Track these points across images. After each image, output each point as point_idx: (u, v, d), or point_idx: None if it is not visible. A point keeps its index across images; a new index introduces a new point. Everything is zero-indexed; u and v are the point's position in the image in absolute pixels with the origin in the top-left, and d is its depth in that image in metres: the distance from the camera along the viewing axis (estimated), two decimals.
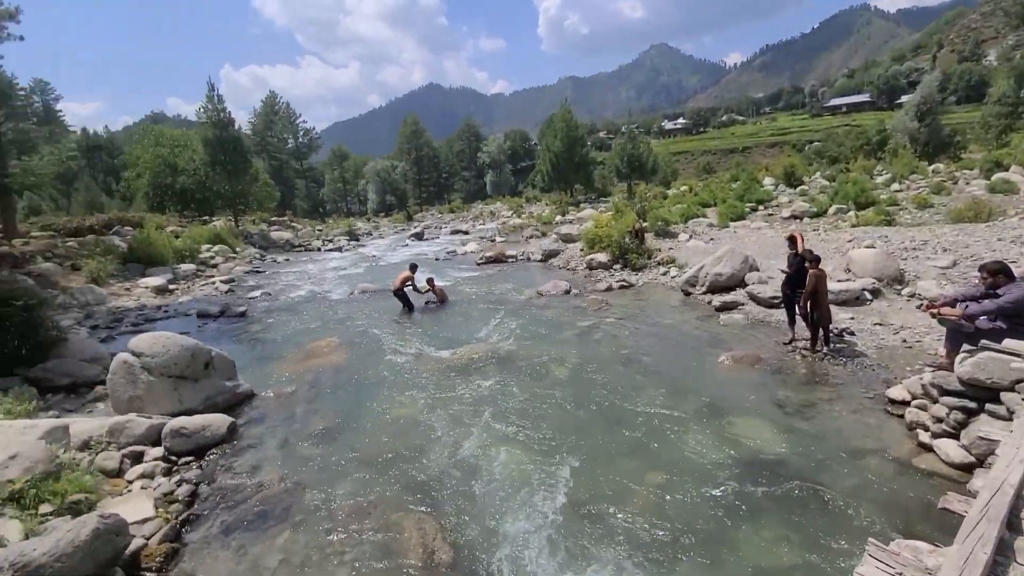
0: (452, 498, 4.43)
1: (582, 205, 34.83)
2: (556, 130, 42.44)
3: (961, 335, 5.05)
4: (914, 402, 5.10)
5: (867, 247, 10.36)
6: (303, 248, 27.28)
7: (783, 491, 4.23)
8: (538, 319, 9.83)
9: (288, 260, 22.30)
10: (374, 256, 22.31)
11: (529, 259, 16.93)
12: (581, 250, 15.28)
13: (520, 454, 5.04)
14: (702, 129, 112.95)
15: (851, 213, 15.71)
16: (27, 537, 3.41)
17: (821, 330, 6.93)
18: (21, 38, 17.67)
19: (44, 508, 3.82)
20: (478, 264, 16.86)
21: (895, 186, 19.57)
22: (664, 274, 12.17)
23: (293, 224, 38.56)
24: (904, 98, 60.23)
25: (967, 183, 18.38)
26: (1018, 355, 4.29)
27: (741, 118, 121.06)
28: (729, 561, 3.54)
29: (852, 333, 7.35)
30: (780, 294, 7.82)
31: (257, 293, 14.18)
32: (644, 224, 15.89)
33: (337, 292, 13.89)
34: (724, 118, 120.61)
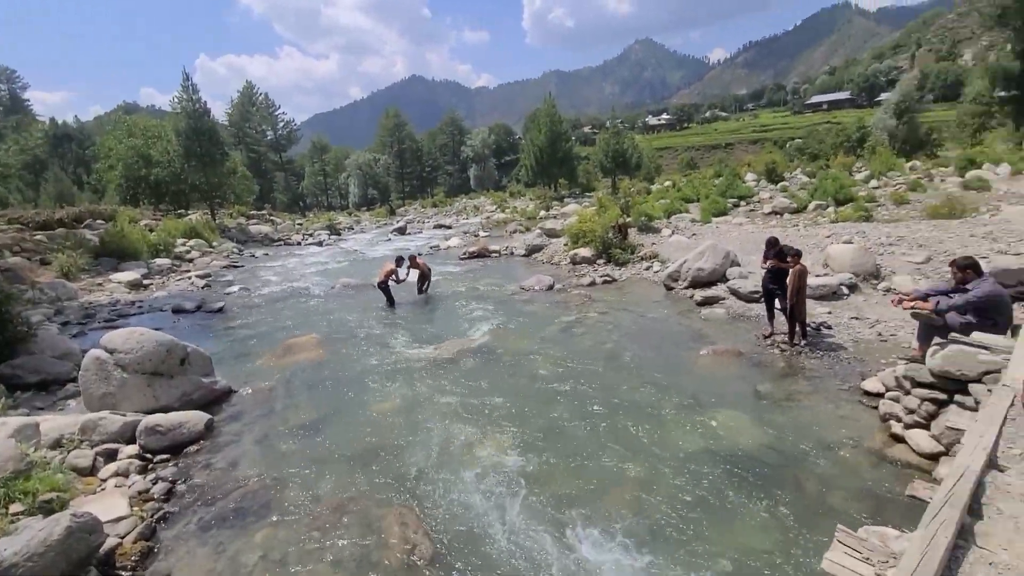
0: (434, 493, 4.45)
1: (566, 200, 34.96)
2: (540, 124, 42.47)
3: (933, 329, 5.22)
4: (888, 394, 5.27)
5: (845, 243, 10.61)
6: (282, 242, 26.88)
7: (761, 481, 4.35)
8: (521, 314, 9.87)
9: (267, 255, 21.96)
10: (356, 251, 22.10)
11: (512, 254, 16.97)
12: (565, 245, 15.36)
13: (503, 448, 5.08)
14: (686, 125, 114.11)
15: (830, 209, 16.05)
16: None
17: (798, 324, 7.10)
18: None
19: (15, 508, 3.73)
20: (461, 259, 16.83)
21: (873, 183, 20.03)
22: (647, 269, 12.31)
23: (272, 218, 37.94)
24: (883, 96, 61.66)
25: (943, 180, 18.91)
26: (985, 348, 4.46)
27: (724, 114, 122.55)
28: (707, 549, 3.63)
29: (829, 327, 7.54)
30: (760, 289, 7.97)
31: (235, 288, 13.96)
32: (628, 219, 16.02)
33: (318, 287, 13.74)
34: (707, 114, 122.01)
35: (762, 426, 5.24)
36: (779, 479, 4.36)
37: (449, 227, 29.05)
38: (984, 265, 6.66)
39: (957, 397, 4.49)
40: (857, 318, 7.75)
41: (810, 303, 7.26)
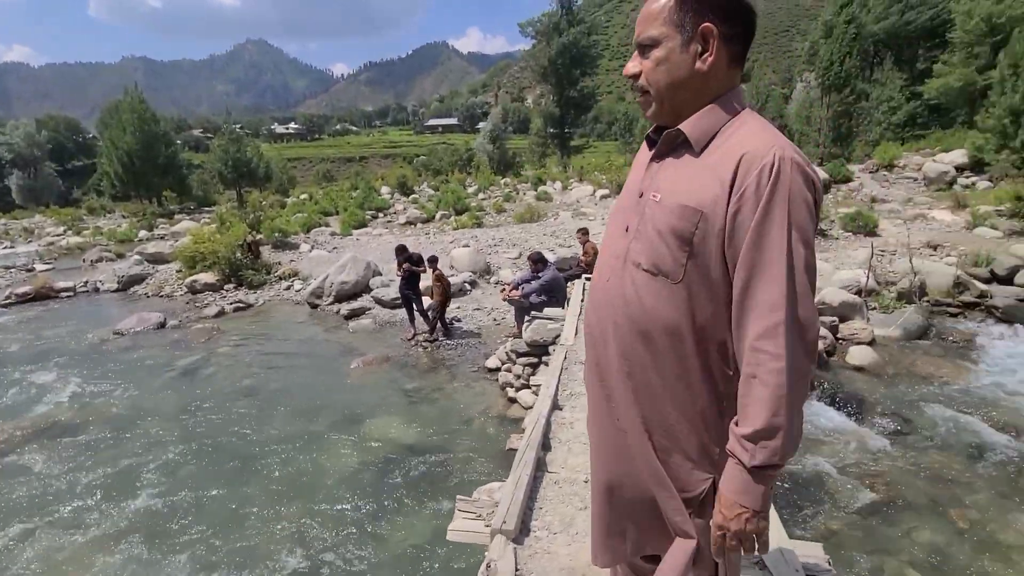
0: None
1: (177, 216, 29.69)
2: (124, 122, 34.54)
3: (523, 310, 6.89)
4: (503, 367, 6.64)
5: (463, 246, 12.82)
6: None
7: (418, 472, 4.78)
8: (118, 366, 7.81)
9: None
10: None
11: (98, 290, 13.23)
12: (178, 272, 13.01)
13: (122, 549, 3.88)
14: (317, 136, 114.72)
15: (452, 218, 19.11)
16: None
17: (439, 322, 8.17)
18: None
19: None
20: (3, 306, 12.01)
21: (481, 195, 24.95)
22: (287, 288, 11.73)
23: None
24: (481, 125, 77.67)
25: (524, 193, 25.22)
26: (552, 319, 6.18)
27: (355, 128, 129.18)
28: (374, 562, 3.73)
29: (459, 320, 8.95)
30: (400, 295, 8.74)
31: None
32: (259, 236, 14.87)
33: None
34: (339, 127, 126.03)
35: (414, 422, 5.76)
36: (434, 466, 4.89)
37: None
38: (551, 256, 9.18)
39: (544, 359, 6.06)
40: (478, 309, 9.48)
41: None
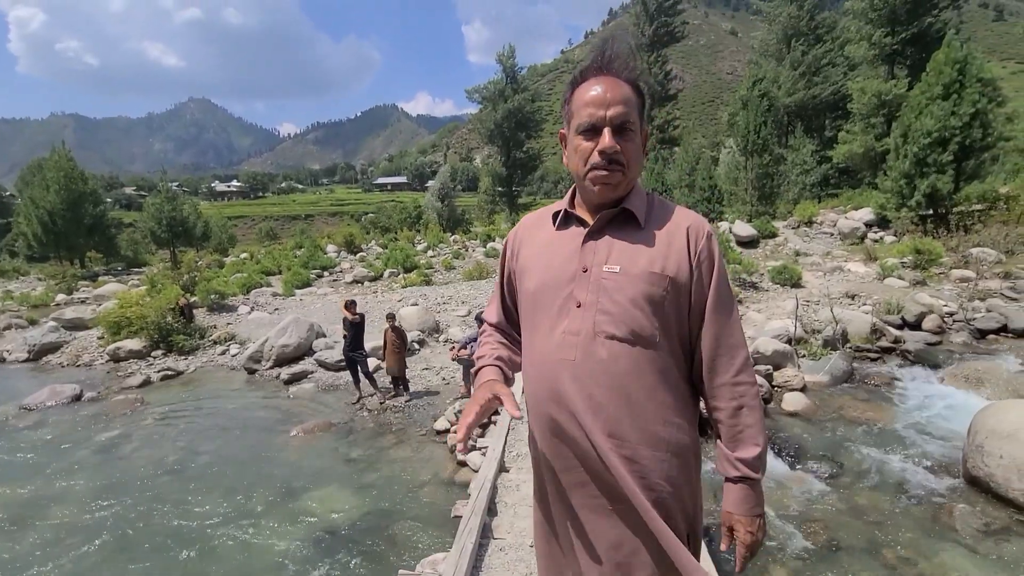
0: None
1: (102, 279, 28.01)
2: (49, 180, 32.94)
3: (472, 369, 6.89)
4: (452, 427, 6.53)
5: (412, 305, 12.76)
6: None
7: (360, 548, 4.53)
8: (23, 445, 7.10)
9: None
10: None
11: (4, 360, 12.14)
12: (101, 338, 12.18)
13: None
14: (260, 194, 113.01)
15: (401, 276, 19.05)
16: None
17: (402, 379, 8.03)
18: None
19: None
20: None
21: (430, 252, 25.11)
22: (223, 353, 11.18)
23: None
24: (430, 183, 79.16)
25: (473, 250, 25.59)
26: None
27: (301, 186, 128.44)
28: None
29: (408, 380, 8.78)
30: (344, 358, 8.53)
31: None
32: (193, 298, 14.25)
33: None
34: (284, 185, 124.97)
35: (357, 493, 5.51)
36: (379, 539, 4.65)
37: None
38: None
39: (493, 419, 6.03)
40: (427, 368, 9.36)
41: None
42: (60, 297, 21.15)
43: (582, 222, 1.34)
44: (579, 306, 1.26)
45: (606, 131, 1.23)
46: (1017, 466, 4.50)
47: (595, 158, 1.25)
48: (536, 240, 1.42)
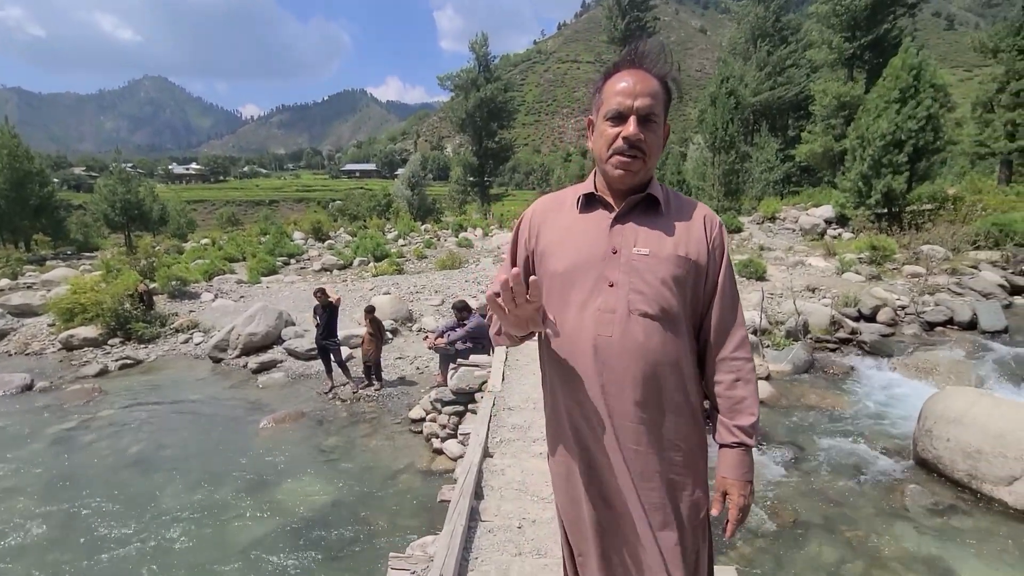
0: None
1: (50, 263, 26.58)
2: None
3: (448, 357, 6.88)
4: (428, 417, 6.52)
5: (384, 294, 12.59)
6: None
7: (340, 535, 4.50)
8: None
9: None
10: None
11: None
12: (52, 325, 11.59)
13: None
14: (222, 178, 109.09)
15: (371, 264, 18.76)
16: None
17: (376, 369, 7.95)
18: None
19: None
20: None
21: (401, 241, 24.78)
22: (186, 342, 10.81)
23: None
24: (400, 171, 77.96)
25: (445, 240, 25.40)
26: (478, 366, 6.23)
27: (265, 171, 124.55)
28: None
29: (381, 370, 8.69)
30: (316, 346, 8.38)
31: None
32: (153, 285, 13.70)
33: None
34: (247, 169, 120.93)
35: (333, 482, 5.45)
36: (359, 527, 4.63)
37: None
38: (473, 303, 9.28)
39: (470, 406, 6.04)
40: (401, 357, 9.29)
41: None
42: (4, 282, 19.98)
43: (607, 205, 1.40)
44: (611, 285, 1.34)
45: (632, 119, 1.29)
46: (962, 449, 4.81)
47: (619, 143, 1.31)
48: (557, 224, 1.46)
